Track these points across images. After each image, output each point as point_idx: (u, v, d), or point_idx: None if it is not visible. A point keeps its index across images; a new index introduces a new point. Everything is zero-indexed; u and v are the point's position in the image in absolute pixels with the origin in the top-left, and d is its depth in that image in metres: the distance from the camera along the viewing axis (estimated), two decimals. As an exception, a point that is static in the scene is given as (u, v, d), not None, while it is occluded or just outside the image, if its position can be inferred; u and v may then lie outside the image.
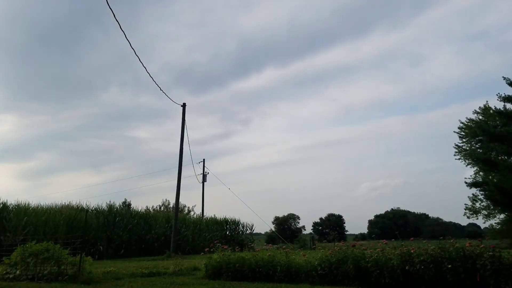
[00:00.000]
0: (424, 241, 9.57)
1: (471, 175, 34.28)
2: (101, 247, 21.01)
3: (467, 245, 8.48)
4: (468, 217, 35.47)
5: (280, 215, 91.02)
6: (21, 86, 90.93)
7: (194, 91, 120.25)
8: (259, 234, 55.88)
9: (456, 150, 35.79)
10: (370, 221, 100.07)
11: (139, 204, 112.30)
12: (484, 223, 36.05)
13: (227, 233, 32.78)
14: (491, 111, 31.45)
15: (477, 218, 35.08)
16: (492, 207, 32.21)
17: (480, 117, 33.47)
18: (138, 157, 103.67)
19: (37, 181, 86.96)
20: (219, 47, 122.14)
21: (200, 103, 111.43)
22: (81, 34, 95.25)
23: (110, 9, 11.82)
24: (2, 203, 20.24)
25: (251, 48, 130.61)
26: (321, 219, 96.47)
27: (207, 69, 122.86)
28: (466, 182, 30.73)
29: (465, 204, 35.40)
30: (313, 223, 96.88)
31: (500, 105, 29.16)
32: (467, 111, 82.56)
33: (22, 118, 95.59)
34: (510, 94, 26.69)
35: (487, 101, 33.56)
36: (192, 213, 47.09)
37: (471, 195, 34.58)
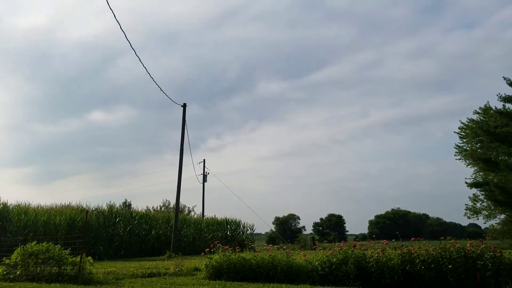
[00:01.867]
0: (424, 242, 9.56)
1: (471, 175, 34.29)
2: (101, 247, 21.00)
3: (468, 245, 8.48)
4: (469, 217, 35.49)
5: (281, 216, 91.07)
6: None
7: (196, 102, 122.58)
8: (260, 234, 55.90)
9: (457, 150, 35.79)
10: (370, 221, 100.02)
11: (139, 204, 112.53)
12: (485, 223, 36.10)
13: (228, 233, 32.69)
14: (491, 111, 31.43)
15: (478, 219, 35.12)
16: (492, 207, 32.19)
17: (481, 117, 33.44)
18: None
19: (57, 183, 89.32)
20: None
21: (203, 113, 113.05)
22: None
23: (111, 9, 11.90)
24: (3, 203, 20.23)
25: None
26: (321, 219, 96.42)
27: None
28: (466, 182, 30.78)
29: (465, 204, 35.42)
30: (314, 223, 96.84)
31: (500, 105, 29.17)
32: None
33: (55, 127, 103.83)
34: (510, 94, 26.71)
35: (487, 101, 33.53)
36: (192, 213, 47.05)
37: (472, 195, 34.60)
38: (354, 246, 9.65)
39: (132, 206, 37.11)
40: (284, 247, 11.37)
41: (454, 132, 35.28)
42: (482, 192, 31.50)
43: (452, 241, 8.85)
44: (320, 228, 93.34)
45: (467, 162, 34.62)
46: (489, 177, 30.23)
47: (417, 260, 8.46)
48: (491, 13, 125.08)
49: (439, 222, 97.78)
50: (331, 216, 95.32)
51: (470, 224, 75.68)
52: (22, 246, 10.52)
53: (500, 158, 28.92)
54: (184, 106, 24.19)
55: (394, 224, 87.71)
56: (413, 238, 10.07)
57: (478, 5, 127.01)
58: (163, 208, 49.22)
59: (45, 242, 10.56)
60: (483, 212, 34.16)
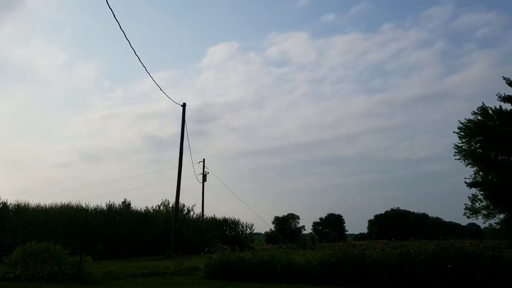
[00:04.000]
0: (424, 241, 9.59)
1: (471, 175, 34.28)
2: (101, 247, 20.93)
3: (467, 245, 8.49)
4: (468, 217, 35.38)
5: (280, 215, 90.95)
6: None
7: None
8: (259, 234, 55.78)
9: (456, 150, 35.77)
10: (370, 221, 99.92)
11: (139, 203, 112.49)
12: (484, 223, 35.99)
13: (227, 233, 32.71)
14: (490, 111, 31.44)
15: (477, 218, 35.01)
16: (492, 207, 32.19)
17: (479, 117, 33.44)
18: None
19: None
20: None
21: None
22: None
23: (110, 9, 11.84)
24: (2, 203, 20.22)
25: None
26: (321, 219, 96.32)
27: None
28: (466, 182, 30.78)
29: (465, 204, 35.37)
30: (313, 223, 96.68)
31: (500, 105, 29.18)
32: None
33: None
34: (510, 94, 26.76)
35: (484, 102, 33.53)
36: (191, 212, 46.95)
37: (471, 195, 34.58)
38: (354, 245, 9.67)
39: (131, 206, 37.03)
40: (284, 246, 11.38)
41: (453, 132, 35.30)
42: (481, 192, 31.52)
43: (451, 240, 8.87)
44: (320, 227, 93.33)
45: (466, 162, 34.61)
46: (489, 177, 30.24)
47: (416, 260, 8.46)
48: None
49: (438, 222, 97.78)
50: (330, 216, 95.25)
51: (469, 223, 75.51)
52: (22, 245, 10.53)
53: (499, 158, 28.94)
54: (184, 106, 24.23)
55: (394, 224, 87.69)
56: (412, 238, 10.08)
57: None
58: (162, 207, 49.09)
59: (44, 242, 10.57)
60: (482, 212, 34.09)
